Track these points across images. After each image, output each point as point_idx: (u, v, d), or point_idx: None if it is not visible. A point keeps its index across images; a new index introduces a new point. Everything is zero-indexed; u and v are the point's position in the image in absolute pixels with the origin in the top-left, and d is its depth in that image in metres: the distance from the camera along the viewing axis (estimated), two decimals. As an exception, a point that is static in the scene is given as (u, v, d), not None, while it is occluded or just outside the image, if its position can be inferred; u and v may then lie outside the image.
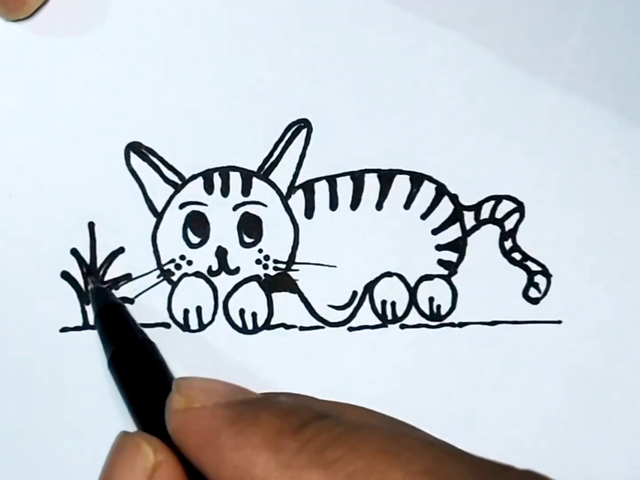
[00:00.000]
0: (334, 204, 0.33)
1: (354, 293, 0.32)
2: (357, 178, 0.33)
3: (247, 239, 0.32)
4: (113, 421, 0.31)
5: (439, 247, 0.33)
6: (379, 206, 0.33)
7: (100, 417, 0.31)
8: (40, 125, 0.32)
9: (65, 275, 0.32)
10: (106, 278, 0.32)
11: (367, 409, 0.22)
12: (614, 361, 0.33)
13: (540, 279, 0.33)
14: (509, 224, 0.33)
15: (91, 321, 0.32)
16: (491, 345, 0.32)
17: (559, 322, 0.33)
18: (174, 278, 0.32)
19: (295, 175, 0.32)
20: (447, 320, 0.33)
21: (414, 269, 0.33)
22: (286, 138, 0.32)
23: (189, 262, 0.32)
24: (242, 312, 0.32)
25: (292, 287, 0.32)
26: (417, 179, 0.33)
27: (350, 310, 0.32)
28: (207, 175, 0.32)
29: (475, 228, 0.33)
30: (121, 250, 0.32)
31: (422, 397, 0.32)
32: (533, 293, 0.33)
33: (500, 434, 0.32)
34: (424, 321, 0.33)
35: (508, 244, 0.33)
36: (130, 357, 0.28)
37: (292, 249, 0.32)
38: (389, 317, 0.32)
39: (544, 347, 0.33)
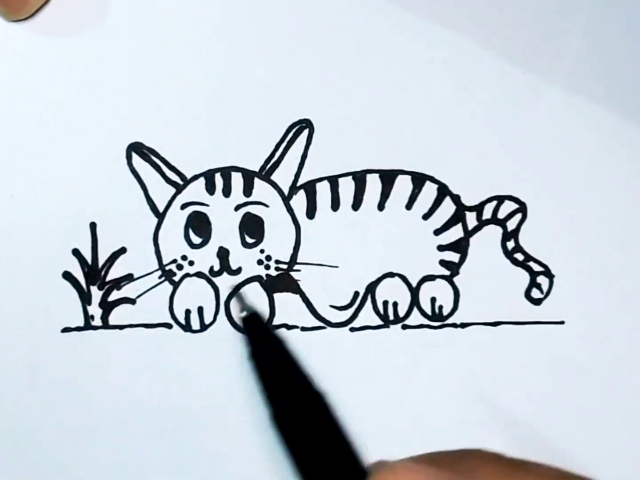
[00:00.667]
0: (335, 204, 0.33)
1: (356, 293, 0.32)
2: (359, 178, 0.33)
3: (248, 239, 0.32)
4: (113, 421, 0.31)
5: (441, 248, 0.33)
6: (380, 206, 0.33)
7: (100, 416, 0.31)
8: (41, 125, 0.32)
9: (67, 276, 0.32)
10: (108, 278, 0.32)
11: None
12: (616, 361, 0.33)
13: (542, 280, 0.33)
14: (511, 225, 0.33)
15: (93, 321, 0.32)
16: (493, 345, 0.32)
17: (562, 322, 0.33)
18: (176, 278, 0.32)
19: (297, 175, 0.32)
20: (449, 321, 0.33)
21: (415, 270, 0.33)
22: (288, 138, 0.32)
23: (191, 263, 0.32)
24: (243, 313, 0.32)
25: (293, 287, 0.32)
26: (419, 180, 0.33)
27: (352, 310, 0.32)
28: (208, 176, 0.32)
29: (477, 228, 0.33)
30: (123, 250, 0.32)
31: (423, 397, 0.32)
32: (535, 294, 0.33)
33: (502, 434, 0.32)
34: (425, 322, 0.32)
35: (510, 245, 0.33)
36: (299, 415, 0.23)
37: (294, 250, 0.32)
38: (391, 317, 0.32)
39: (547, 347, 0.32)
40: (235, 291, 0.31)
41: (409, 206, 0.33)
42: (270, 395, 0.23)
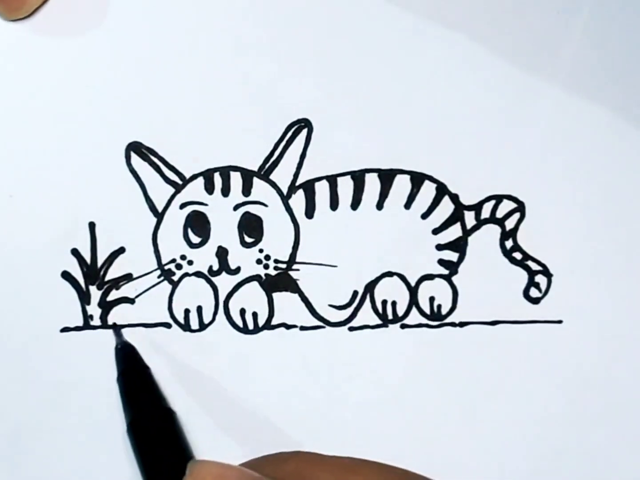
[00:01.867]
0: (334, 204, 0.33)
1: (355, 293, 0.32)
2: (358, 178, 0.33)
3: (247, 239, 0.32)
4: (112, 420, 0.31)
5: (440, 247, 0.33)
6: (379, 206, 0.33)
7: (100, 416, 0.31)
8: (40, 125, 0.32)
9: (66, 276, 0.32)
10: (107, 278, 0.32)
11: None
12: (615, 361, 0.33)
13: (541, 279, 0.33)
14: (510, 224, 0.33)
15: (92, 321, 0.32)
16: (492, 345, 0.32)
17: (560, 321, 0.33)
18: (175, 278, 0.32)
19: (296, 175, 0.32)
20: (447, 320, 0.33)
21: (414, 269, 0.33)
22: (287, 138, 0.32)
23: (190, 262, 0.32)
24: (242, 312, 0.32)
25: (292, 286, 0.32)
26: (417, 179, 0.33)
27: (350, 310, 0.32)
28: (207, 175, 0.32)
29: (475, 228, 0.33)
30: (122, 250, 0.32)
31: (422, 397, 0.32)
32: (534, 293, 0.33)
33: (500, 434, 0.32)
34: (424, 321, 0.33)
35: (509, 244, 0.33)
36: (149, 426, 0.29)
37: (293, 249, 0.32)
38: (390, 316, 0.32)
39: (545, 346, 0.33)
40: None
41: (407, 205, 0.33)
42: (130, 408, 0.29)
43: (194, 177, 0.32)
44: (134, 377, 0.30)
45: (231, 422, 0.32)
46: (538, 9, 0.33)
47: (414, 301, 0.33)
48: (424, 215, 0.33)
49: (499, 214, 0.33)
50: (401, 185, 0.33)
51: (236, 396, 0.32)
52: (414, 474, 0.22)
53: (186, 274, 0.32)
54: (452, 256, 0.33)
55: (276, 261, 0.32)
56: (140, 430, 0.29)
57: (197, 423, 0.31)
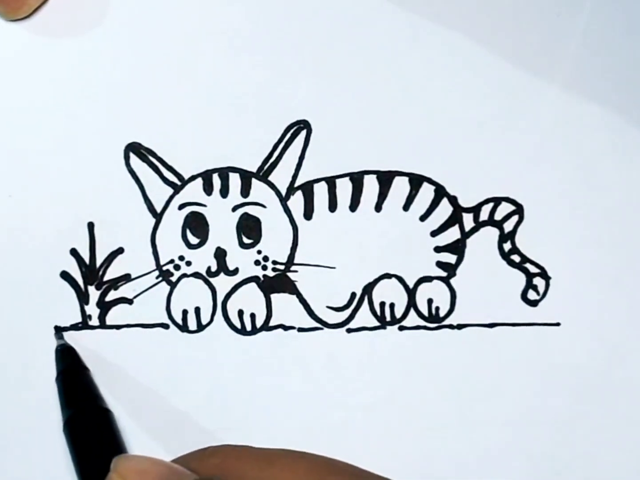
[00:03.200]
0: (333, 205, 0.33)
1: (353, 294, 0.33)
2: (356, 179, 0.33)
3: (246, 240, 0.32)
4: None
5: (438, 249, 0.33)
6: (378, 207, 0.33)
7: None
8: (39, 125, 0.32)
9: (65, 275, 0.32)
10: (105, 278, 0.32)
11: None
12: (612, 363, 0.33)
13: (539, 281, 0.33)
14: (508, 226, 0.33)
15: (91, 321, 0.32)
16: (489, 347, 0.32)
17: (558, 324, 0.33)
18: (173, 279, 0.32)
19: (295, 176, 0.32)
20: (445, 322, 0.33)
21: (412, 271, 0.33)
22: (285, 139, 0.32)
23: (188, 263, 0.32)
24: (240, 313, 0.32)
25: (290, 288, 0.32)
26: (416, 181, 0.33)
27: (349, 311, 0.32)
28: (206, 176, 0.32)
29: (474, 230, 0.33)
30: (120, 250, 0.32)
31: (420, 399, 0.32)
32: (532, 295, 0.33)
33: (498, 436, 0.32)
34: (422, 323, 0.33)
35: (507, 246, 0.33)
36: (84, 424, 0.29)
37: (291, 250, 0.32)
38: (388, 318, 0.32)
39: (542, 349, 0.32)
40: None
41: (406, 207, 0.33)
42: (67, 407, 0.30)
43: (192, 178, 0.32)
44: (73, 377, 0.31)
45: (230, 422, 0.32)
46: (538, 11, 0.33)
47: (412, 303, 0.33)
48: (423, 217, 0.33)
49: (498, 216, 0.33)
50: (400, 187, 0.33)
51: (234, 397, 0.32)
52: (340, 462, 0.22)
53: (184, 275, 0.32)
54: (451, 258, 0.33)
55: (274, 262, 0.32)
56: (75, 428, 0.29)
57: (196, 423, 0.32)
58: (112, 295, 0.32)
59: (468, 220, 0.33)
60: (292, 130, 0.32)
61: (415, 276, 0.33)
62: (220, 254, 0.32)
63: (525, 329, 0.33)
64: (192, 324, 0.32)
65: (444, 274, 0.33)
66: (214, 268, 0.32)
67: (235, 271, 0.32)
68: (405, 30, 0.33)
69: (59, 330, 0.32)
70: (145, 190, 0.32)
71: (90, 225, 0.32)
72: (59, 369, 0.31)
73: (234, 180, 0.32)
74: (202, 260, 0.32)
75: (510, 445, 0.32)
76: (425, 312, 0.33)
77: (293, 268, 0.32)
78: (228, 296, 0.32)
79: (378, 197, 0.33)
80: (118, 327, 0.32)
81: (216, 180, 0.32)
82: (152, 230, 0.32)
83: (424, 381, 0.32)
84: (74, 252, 0.32)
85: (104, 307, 0.32)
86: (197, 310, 0.32)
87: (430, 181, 0.33)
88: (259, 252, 0.32)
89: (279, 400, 0.32)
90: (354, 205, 0.33)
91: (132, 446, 0.30)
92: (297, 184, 0.32)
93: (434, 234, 0.33)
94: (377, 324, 0.32)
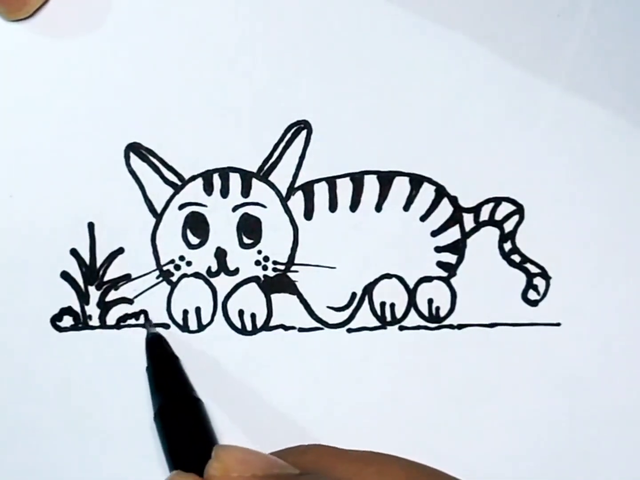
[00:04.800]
0: (333, 206, 0.33)
1: (353, 294, 0.33)
2: (357, 179, 0.33)
3: (246, 240, 0.32)
4: (110, 421, 0.32)
5: (438, 249, 0.33)
6: (378, 208, 0.33)
7: (98, 415, 0.32)
8: (40, 125, 0.32)
9: (65, 276, 0.32)
10: (106, 278, 0.32)
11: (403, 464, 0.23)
12: (613, 363, 0.33)
13: (539, 281, 0.33)
14: (509, 226, 0.33)
15: (91, 321, 0.32)
16: (490, 347, 0.32)
17: (558, 324, 0.33)
18: (173, 279, 0.32)
19: (295, 176, 0.32)
20: (446, 322, 0.33)
21: (413, 271, 0.33)
22: (286, 139, 0.32)
23: (189, 263, 0.32)
24: (241, 313, 0.32)
25: (291, 288, 0.32)
26: (416, 181, 0.33)
27: (349, 311, 0.32)
28: (206, 176, 0.32)
29: (474, 230, 0.33)
30: (121, 250, 0.32)
31: (420, 399, 0.32)
32: (532, 295, 0.33)
33: (498, 436, 0.32)
34: (423, 323, 0.33)
35: (507, 246, 0.33)
36: (175, 413, 0.29)
37: (292, 250, 0.32)
38: (388, 318, 0.32)
39: (543, 349, 0.33)
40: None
41: (406, 207, 0.33)
42: (158, 397, 0.29)
43: (193, 178, 0.32)
44: (162, 366, 0.30)
45: (231, 422, 0.32)
46: (538, 11, 0.33)
47: (412, 303, 0.33)
48: (423, 217, 0.33)
49: (498, 216, 0.33)
50: (400, 187, 0.33)
51: (234, 397, 0.32)
52: (432, 469, 0.23)
53: (185, 275, 0.32)
54: (451, 258, 0.33)
55: (275, 262, 0.32)
56: (167, 417, 0.29)
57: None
58: (112, 296, 0.32)
59: (468, 220, 0.33)
60: (292, 130, 0.32)
61: (415, 276, 0.33)
62: (220, 254, 0.32)
63: (525, 329, 0.33)
64: (192, 324, 0.32)
65: (444, 274, 0.33)
66: (214, 268, 0.32)
67: (236, 271, 0.32)
68: (405, 30, 0.33)
69: (147, 319, 0.32)
70: (146, 190, 0.32)
71: (91, 225, 0.32)
72: (149, 358, 0.31)
73: (235, 180, 0.32)
74: (203, 261, 0.32)
75: (510, 445, 0.32)
76: (426, 312, 0.33)
77: (293, 268, 0.32)
78: (228, 296, 0.32)
79: (378, 197, 0.33)
80: (118, 327, 0.32)
81: (216, 180, 0.32)
82: (153, 230, 0.32)
83: (424, 381, 0.32)
84: (74, 252, 0.32)
85: (105, 307, 0.32)
86: (198, 310, 0.32)
87: (431, 181, 0.33)
88: (260, 252, 0.32)
89: (279, 401, 0.32)
90: (354, 206, 0.33)
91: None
92: (297, 184, 0.32)
93: (434, 234, 0.33)
94: (377, 324, 0.32)
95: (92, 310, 0.32)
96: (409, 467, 0.22)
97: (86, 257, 0.32)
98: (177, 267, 0.32)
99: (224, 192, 0.32)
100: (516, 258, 0.33)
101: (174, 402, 0.29)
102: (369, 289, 0.32)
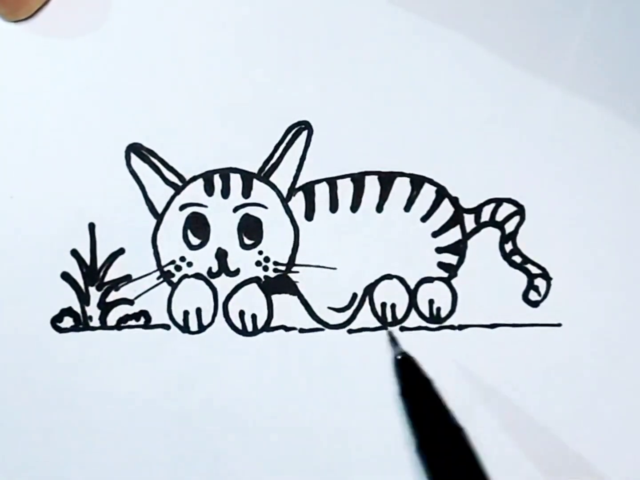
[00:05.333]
0: (334, 206, 0.33)
1: (354, 295, 0.33)
2: (358, 180, 0.33)
3: (247, 241, 0.32)
4: (110, 421, 0.32)
5: (439, 250, 0.33)
6: (379, 208, 0.33)
7: (97, 417, 0.31)
8: (40, 126, 0.32)
9: (66, 277, 0.32)
10: (106, 279, 0.32)
11: None
12: (613, 364, 0.33)
13: (540, 282, 0.33)
14: (509, 227, 0.33)
15: (91, 322, 0.32)
16: (491, 347, 0.32)
17: (559, 325, 0.33)
18: (174, 279, 0.32)
19: (296, 177, 0.32)
20: (446, 323, 0.33)
21: (414, 272, 0.33)
22: (287, 140, 0.32)
23: (189, 264, 0.32)
24: (241, 314, 0.32)
25: (292, 289, 0.32)
26: (417, 182, 0.33)
27: (350, 312, 0.32)
28: (207, 177, 0.32)
29: (475, 231, 0.33)
30: (121, 251, 0.32)
31: (421, 399, 0.32)
32: (533, 296, 0.33)
33: (498, 436, 0.32)
34: (423, 323, 0.33)
35: (508, 247, 0.33)
36: (439, 445, 0.28)
37: (292, 251, 0.32)
38: (389, 319, 0.32)
39: (544, 349, 0.33)
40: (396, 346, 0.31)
41: (407, 208, 0.33)
42: (417, 427, 0.28)
43: (193, 178, 0.32)
44: (418, 393, 0.29)
45: (231, 422, 0.32)
46: (539, 11, 0.33)
47: (413, 304, 0.33)
48: (424, 218, 0.33)
49: (499, 217, 0.33)
50: (401, 188, 0.33)
51: (235, 397, 0.32)
52: None
53: (185, 276, 0.32)
54: (452, 259, 0.33)
55: (275, 263, 0.32)
56: (430, 449, 0.28)
57: (194, 424, 0.32)
58: (113, 296, 0.32)
59: (469, 221, 0.33)
60: (293, 131, 0.32)
61: (416, 277, 0.33)
62: (221, 255, 0.32)
63: (526, 330, 0.33)
64: (193, 325, 0.32)
65: (445, 274, 0.33)
66: (215, 269, 0.32)
67: (237, 272, 0.32)
68: (406, 31, 0.33)
69: (392, 335, 0.31)
70: (146, 190, 0.32)
71: (91, 226, 0.32)
72: (401, 384, 0.29)
73: (235, 181, 0.32)
74: (203, 261, 0.32)
75: (510, 444, 0.32)
76: (427, 313, 0.33)
77: (294, 269, 0.32)
78: (229, 297, 0.32)
79: (379, 198, 0.33)
80: (119, 328, 0.32)
81: (217, 181, 0.32)
82: (153, 231, 0.32)
83: (425, 382, 0.32)
84: (74, 253, 0.32)
85: (105, 308, 0.32)
86: (199, 311, 0.32)
87: (432, 182, 0.33)
88: (260, 252, 0.32)
89: (279, 401, 0.32)
90: (355, 206, 0.33)
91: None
92: (298, 184, 0.32)
93: (435, 234, 0.33)
94: (378, 324, 0.32)
95: (93, 311, 0.32)
96: None
97: (87, 257, 0.32)
98: (178, 268, 0.32)
99: (225, 193, 0.32)
100: (517, 259, 0.33)
101: (435, 433, 0.28)
102: (369, 290, 0.32)
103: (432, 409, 0.28)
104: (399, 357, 0.30)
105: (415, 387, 0.29)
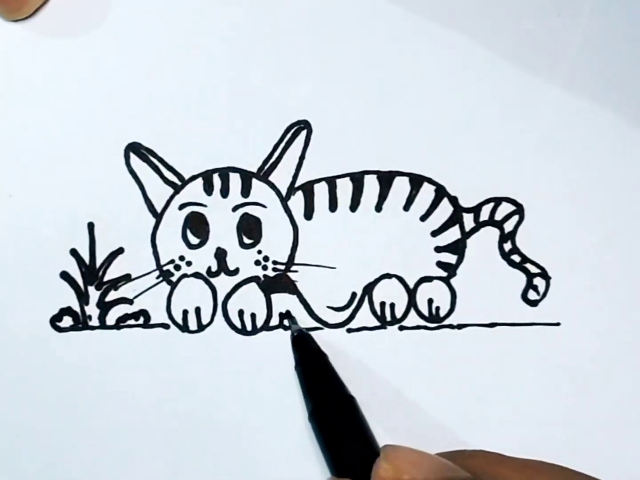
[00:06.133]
0: (333, 205, 0.33)
1: (353, 294, 0.33)
2: (357, 179, 0.33)
3: (246, 240, 0.32)
4: (110, 421, 0.32)
5: (438, 249, 0.33)
6: (378, 207, 0.33)
7: (97, 417, 0.31)
8: (40, 125, 0.32)
9: (65, 276, 0.32)
10: (105, 278, 0.32)
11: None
12: (612, 363, 0.33)
13: (539, 282, 0.33)
14: (509, 226, 0.33)
15: (91, 321, 0.32)
16: (490, 347, 0.32)
17: (558, 324, 0.33)
18: (173, 279, 0.32)
19: (295, 176, 0.32)
20: (446, 322, 0.33)
21: (413, 271, 0.33)
22: (286, 139, 0.32)
23: (188, 263, 0.32)
24: (241, 313, 0.32)
25: (291, 288, 0.32)
26: (416, 181, 0.33)
27: (349, 311, 0.32)
28: (206, 176, 0.32)
29: (474, 230, 0.33)
30: (120, 250, 0.32)
31: (420, 399, 0.32)
32: (532, 295, 0.33)
33: (498, 435, 0.32)
34: (422, 323, 0.33)
35: (507, 246, 0.33)
36: (330, 413, 0.28)
37: (292, 250, 0.32)
38: (388, 318, 0.32)
39: (543, 349, 0.33)
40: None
41: (406, 207, 0.33)
42: (310, 396, 0.29)
43: (193, 178, 0.32)
44: (312, 365, 0.30)
45: (231, 422, 0.32)
46: (538, 11, 0.33)
47: (412, 303, 0.33)
48: (423, 217, 0.33)
49: (498, 216, 0.33)
50: (400, 187, 0.33)
51: (235, 397, 0.32)
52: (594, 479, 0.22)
53: (185, 275, 0.32)
54: (451, 258, 0.33)
55: (275, 262, 0.32)
56: (323, 417, 0.28)
57: (194, 424, 0.32)
58: (112, 296, 0.32)
59: (468, 220, 0.33)
60: (292, 130, 0.32)
61: (415, 276, 0.33)
62: (220, 254, 0.32)
63: (525, 329, 0.33)
64: (192, 324, 0.32)
65: (444, 274, 0.33)
66: (214, 268, 0.32)
67: (236, 271, 0.32)
68: (406, 31, 0.33)
69: (291, 317, 0.32)
70: (146, 190, 0.32)
71: (91, 225, 0.32)
72: (297, 357, 0.31)
73: (235, 180, 0.32)
74: (203, 261, 0.32)
75: (510, 444, 0.32)
76: (426, 312, 0.33)
77: (293, 268, 0.32)
78: (228, 296, 0.32)
79: (378, 197, 0.33)
80: (118, 327, 0.32)
81: (216, 180, 0.32)
82: (153, 230, 0.32)
83: (424, 381, 0.32)
84: (74, 252, 0.32)
85: (104, 307, 0.32)
86: (198, 311, 0.32)
87: (431, 181, 0.33)
88: (260, 252, 0.32)
89: (279, 400, 0.32)
90: (354, 206, 0.33)
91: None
92: (297, 184, 0.32)
93: (434, 234, 0.33)
94: (377, 324, 0.32)
95: (92, 310, 0.32)
96: (576, 478, 0.22)
97: (86, 257, 0.32)
98: (177, 267, 0.32)
99: (224, 192, 0.32)
100: (516, 258, 0.33)
101: (328, 402, 0.29)
102: (369, 289, 0.32)
103: (324, 379, 0.29)
104: (295, 334, 0.31)
105: (309, 360, 0.30)
